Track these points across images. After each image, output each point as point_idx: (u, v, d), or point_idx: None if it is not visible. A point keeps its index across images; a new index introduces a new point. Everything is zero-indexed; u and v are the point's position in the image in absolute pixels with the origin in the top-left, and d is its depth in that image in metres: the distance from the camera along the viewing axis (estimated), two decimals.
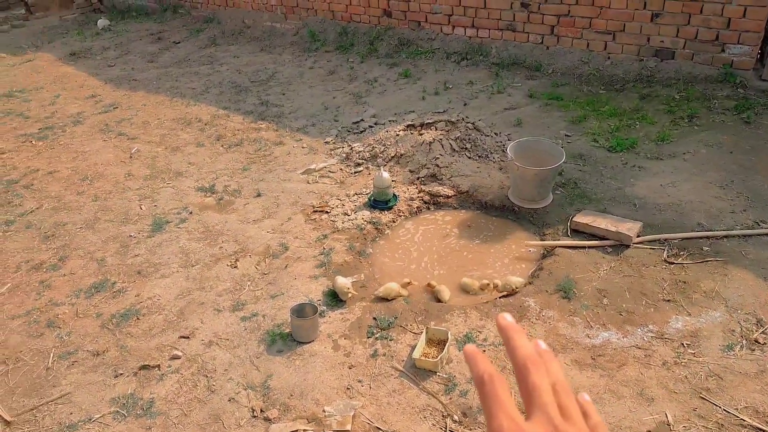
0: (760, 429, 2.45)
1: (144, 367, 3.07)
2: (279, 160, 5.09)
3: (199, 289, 3.63)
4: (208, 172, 5.00)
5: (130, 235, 4.20)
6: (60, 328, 3.40)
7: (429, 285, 3.52)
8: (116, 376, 3.03)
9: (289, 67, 7.16)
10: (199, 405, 2.84)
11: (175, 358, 3.12)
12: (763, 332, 2.90)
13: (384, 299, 3.39)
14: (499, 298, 3.34)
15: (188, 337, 3.25)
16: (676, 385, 2.68)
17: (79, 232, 4.29)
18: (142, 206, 4.55)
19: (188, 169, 5.06)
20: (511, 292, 3.36)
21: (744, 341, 2.86)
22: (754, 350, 2.81)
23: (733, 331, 2.93)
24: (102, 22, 9.63)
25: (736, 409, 2.55)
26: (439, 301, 3.42)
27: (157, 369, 3.06)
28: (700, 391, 2.64)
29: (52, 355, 3.21)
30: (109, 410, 2.84)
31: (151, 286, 3.68)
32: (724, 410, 2.54)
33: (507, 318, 0.54)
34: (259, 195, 4.57)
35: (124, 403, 2.86)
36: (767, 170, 4.18)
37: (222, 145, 5.44)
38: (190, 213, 4.42)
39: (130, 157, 5.35)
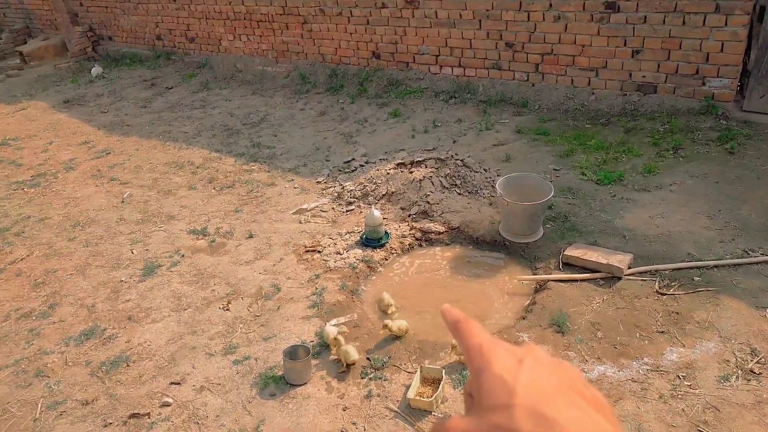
0: None
1: (134, 416, 3.01)
2: (271, 201, 5.12)
3: (190, 333, 3.60)
4: (200, 214, 5.01)
5: (121, 280, 4.17)
6: (49, 377, 3.35)
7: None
8: (105, 426, 2.97)
9: (280, 109, 7.28)
10: None
11: (166, 405, 3.06)
12: (757, 362, 2.89)
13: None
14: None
15: (179, 383, 3.20)
16: (674, 418, 2.65)
17: (70, 279, 4.26)
18: (134, 251, 4.54)
19: (180, 212, 5.08)
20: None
21: (739, 371, 2.85)
22: (750, 380, 2.80)
23: (728, 361, 2.91)
24: (96, 69, 9.81)
25: None
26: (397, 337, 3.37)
27: (147, 417, 3.00)
28: (698, 424, 2.60)
29: (40, 405, 3.14)
30: None
31: (141, 332, 3.64)
32: None
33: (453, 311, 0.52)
34: (251, 236, 4.58)
35: None
36: (754, 199, 4.23)
37: (214, 188, 5.47)
38: (182, 256, 4.42)
39: (122, 201, 5.36)
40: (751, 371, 2.84)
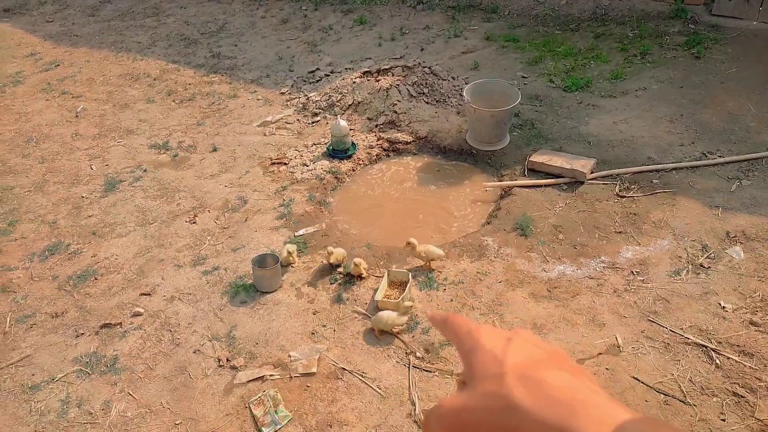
0: (703, 345, 2.60)
1: (105, 326, 3.04)
2: (234, 113, 4.95)
3: (157, 246, 3.58)
4: (160, 128, 4.84)
5: (82, 196, 4.07)
6: (15, 292, 3.32)
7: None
8: (77, 336, 3.00)
9: (239, 17, 6.89)
10: (164, 358, 2.84)
11: (137, 315, 3.09)
12: (707, 257, 3.04)
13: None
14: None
15: (149, 294, 3.23)
16: (626, 310, 2.81)
17: (28, 196, 4.13)
18: (93, 166, 4.40)
19: (139, 127, 4.89)
20: (427, 266, 3.19)
21: (690, 266, 3.00)
22: (699, 274, 2.96)
23: (680, 257, 3.06)
24: None
25: (681, 329, 2.69)
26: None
27: (119, 327, 3.03)
28: (648, 315, 2.77)
29: (8, 319, 3.14)
30: (72, 369, 2.82)
31: (107, 246, 3.60)
32: (671, 330, 2.69)
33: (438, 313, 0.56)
34: (215, 150, 4.47)
35: (87, 362, 2.85)
36: (715, 103, 4.28)
37: (174, 101, 5.25)
38: (145, 171, 4.30)
39: (76, 116, 5.12)
40: (701, 266, 3.00)
